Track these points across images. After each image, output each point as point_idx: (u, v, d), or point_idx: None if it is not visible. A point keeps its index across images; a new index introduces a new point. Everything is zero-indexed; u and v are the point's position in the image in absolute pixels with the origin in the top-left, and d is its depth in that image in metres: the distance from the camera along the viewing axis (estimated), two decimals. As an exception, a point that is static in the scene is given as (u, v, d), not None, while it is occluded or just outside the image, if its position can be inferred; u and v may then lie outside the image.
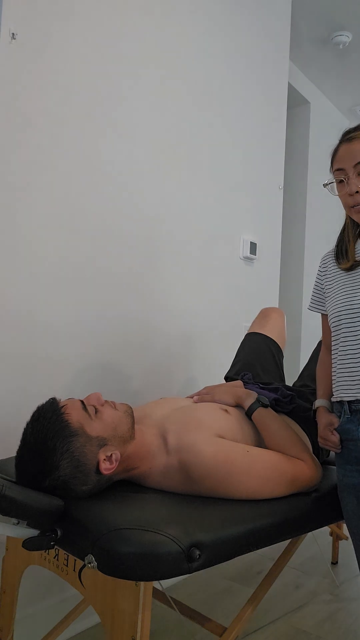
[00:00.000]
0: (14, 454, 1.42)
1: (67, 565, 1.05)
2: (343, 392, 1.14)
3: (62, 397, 1.54)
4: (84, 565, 0.88)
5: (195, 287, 2.07)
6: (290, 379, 3.18)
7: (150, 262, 1.85)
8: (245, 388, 1.43)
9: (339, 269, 1.22)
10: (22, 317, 1.43)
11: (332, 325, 1.19)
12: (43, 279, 1.49)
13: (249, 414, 1.30)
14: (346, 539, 2.07)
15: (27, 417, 1.45)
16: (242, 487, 1.09)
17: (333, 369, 1.20)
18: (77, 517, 0.94)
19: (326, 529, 2.38)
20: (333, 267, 1.25)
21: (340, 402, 1.16)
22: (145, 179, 1.83)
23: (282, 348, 1.81)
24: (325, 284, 1.26)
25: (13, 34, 1.39)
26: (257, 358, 1.70)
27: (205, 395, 1.38)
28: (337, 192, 1.17)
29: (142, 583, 0.88)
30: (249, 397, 1.32)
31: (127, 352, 1.76)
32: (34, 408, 1.36)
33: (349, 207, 1.16)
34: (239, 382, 1.48)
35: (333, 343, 1.20)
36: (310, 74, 3.45)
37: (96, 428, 1.03)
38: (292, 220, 3.55)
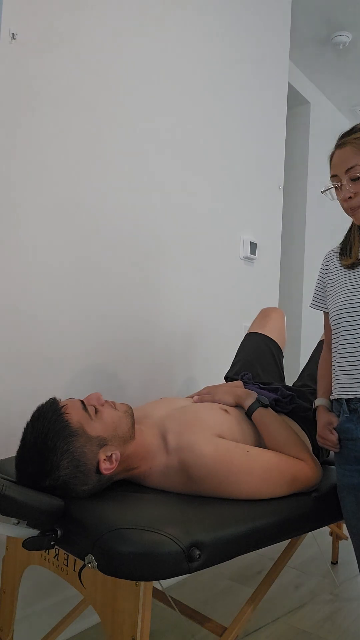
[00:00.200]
0: (14, 454, 1.42)
1: (67, 565, 1.05)
2: (341, 390, 1.14)
3: (62, 397, 1.54)
4: (84, 565, 0.88)
5: (195, 287, 2.07)
6: (290, 379, 3.18)
7: (150, 262, 1.86)
8: (245, 388, 1.43)
9: (341, 268, 1.23)
10: (22, 317, 1.43)
11: (332, 323, 1.20)
12: (43, 278, 1.49)
13: (248, 414, 1.30)
14: (346, 538, 2.07)
15: (27, 417, 1.45)
16: (242, 487, 1.09)
17: (332, 367, 1.20)
18: (77, 517, 0.94)
19: (326, 529, 2.38)
20: (335, 265, 1.25)
21: (339, 401, 1.17)
22: (145, 178, 1.83)
23: (282, 348, 1.81)
24: (327, 281, 1.27)
25: (13, 34, 1.39)
26: (257, 358, 1.70)
27: (206, 396, 1.38)
28: (335, 198, 1.18)
29: (142, 583, 0.88)
30: (249, 397, 1.32)
31: (127, 352, 1.76)
32: (34, 408, 1.36)
33: (347, 212, 1.17)
34: (239, 382, 1.48)
35: (333, 341, 1.20)
36: (311, 74, 3.45)
37: (96, 428, 1.03)
38: (292, 220, 3.56)
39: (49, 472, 0.98)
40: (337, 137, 1.18)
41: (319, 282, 1.32)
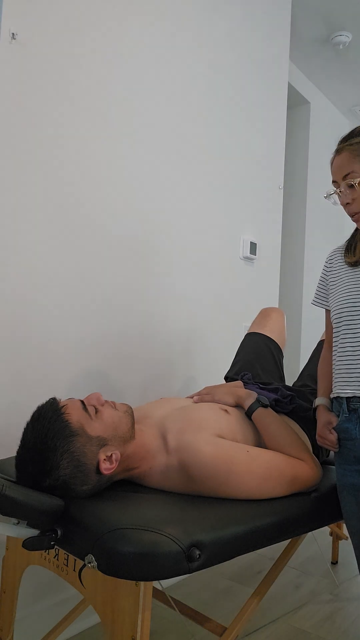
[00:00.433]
0: (14, 454, 1.42)
1: (67, 565, 1.05)
2: (340, 388, 1.15)
3: (62, 397, 1.54)
4: (84, 565, 0.88)
5: (195, 287, 2.08)
6: (290, 379, 3.18)
7: (150, 262, 1.86)
8: (245, 388, 1.43)
9: (344, 266, 1.23)
10: (22, 317, 1.43)
11: (333, 321, 1.20)
12: (43, 278, 1.49)
13: (248, 414, 1.30)
14: (346, 538, 2.07)
15: (27, 417, 1.45)
16: (242, 487, 1.09)
17: (333, 365, 1.20)
18: (77, 517, 0.94)
19: (326, 529, 2.38)
20: (339, 264, 1.26)
21: (339, 401, 1.17)
22: (146, 179, 1.83)
23: (282, 348, 1.81)
24: (330, 279, 1.27)
25: (13, 33, 1.39)
26: (257, 358, 1.70)
27: (206, 396, 1.38)
28: (338, 203, 1.20)
29: (142, 583, 0.88)
30: (249, 397, 1.32)
31: (128, 352, 1.77)
32: (34, 408, 1.36)
33: (350, 216, 1.19)
34: (239, 382, 1.48)
35: (334, 339, 1.21)
36: (310, 74, 3.45)
37: (96, 428, 1.03)
38: (292, 220, 3.55)
39: (49, 472, 0.98)
40: (336, 138, 1.19)
41: (322, 279, 1.32)
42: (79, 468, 0.99)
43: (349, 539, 2.12)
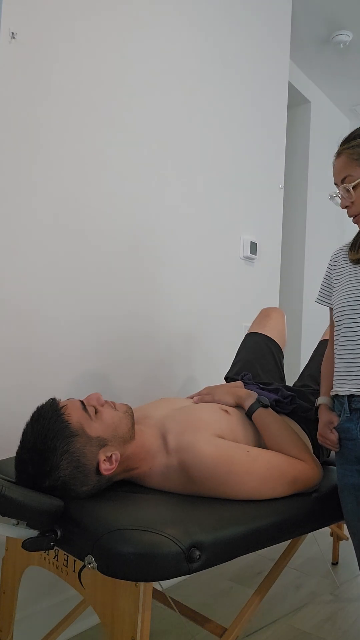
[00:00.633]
0: (14, 454, 1.41)
1: (66, 566, 1.04)
2: (339, 386, 1.15)
3: (62, 397, 1.54)
4: (84, 566, 0.87)
5: (195, 287, 2.07)
6: (291, 379, 3.18)
7: (150, 262, 1.85)
8: (245, 388, 1.42)
9: (348, 264, 1.24)
10: (22, 317, 1.43)
11: (335, 319, 1.21)
12: (43, 278, 1.49)
13: (249, 414, 1.29)
14: (346, 539, 2.07)
15: (27, 417, 1.44)
16: (242, 487, 1.09)
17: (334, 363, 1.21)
18: (77, 517, 0.93)
19: (326, 530, 2.38)
20: (343, 262, 1.26)
21: (340, 400, 1.16)
22: (146, 178, 1.83)
23: (283, 348, 1.80)
24: (334, 277, 1.27)
25: (13, 33, 1.39)
26: (257, 358, 1.69)
27: (206, 396, 1.38)
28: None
29: (142, 583, 0.88)
30: (249, 397, 1.32)
31: (128, 352, 1.76)
32: (34, 408, 1.36)
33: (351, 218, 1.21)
34: (239, 383, 1.48)
35: (335, 337, 1.21)
36: (311, 73, 3.45)
37: (96, 428, 1.03)
38: (292, 220, 3.55)
39: (49, 473, 0.97)
40: (337, 138, 1.21)
41: (326, 277, 1.32)
42: (78, 469, 0.99)
43: (350, 540, 2.12)
